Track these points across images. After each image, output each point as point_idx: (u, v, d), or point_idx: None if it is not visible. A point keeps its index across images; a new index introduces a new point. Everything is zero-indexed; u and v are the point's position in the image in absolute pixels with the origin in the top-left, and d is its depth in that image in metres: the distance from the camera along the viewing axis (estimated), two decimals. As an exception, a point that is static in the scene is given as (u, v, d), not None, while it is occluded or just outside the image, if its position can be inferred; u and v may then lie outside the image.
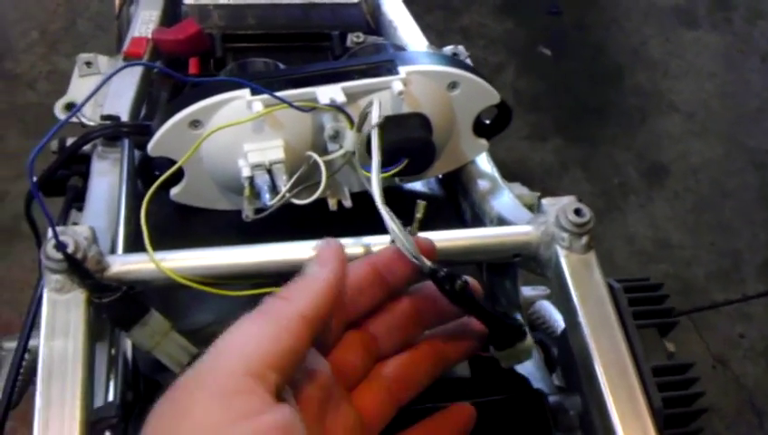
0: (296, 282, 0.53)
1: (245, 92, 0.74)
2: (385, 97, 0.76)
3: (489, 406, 0.63)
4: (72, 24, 2.53)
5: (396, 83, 0.75)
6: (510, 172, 2.55)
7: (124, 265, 0.59)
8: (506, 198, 0.79)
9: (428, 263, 0.55)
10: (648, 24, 2.83)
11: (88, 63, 0.90)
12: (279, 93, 0.73)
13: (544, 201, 0.66)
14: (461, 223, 0.86)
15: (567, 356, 0.66)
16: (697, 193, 2.43)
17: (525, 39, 2.74)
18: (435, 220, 0.72)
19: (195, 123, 0.74)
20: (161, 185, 0.73)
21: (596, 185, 2.41)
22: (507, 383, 0.66)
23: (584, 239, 0.63)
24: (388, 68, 0.77)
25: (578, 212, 0.63)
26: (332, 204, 0.81)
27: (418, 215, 0.60)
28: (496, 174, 0.85)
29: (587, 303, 0.60)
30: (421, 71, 0.77)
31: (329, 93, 0.74)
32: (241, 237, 0.68)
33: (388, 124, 0.76)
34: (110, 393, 0.61)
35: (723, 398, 2.10)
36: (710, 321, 2.21)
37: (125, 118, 0.85)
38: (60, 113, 0.86)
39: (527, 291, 1.09)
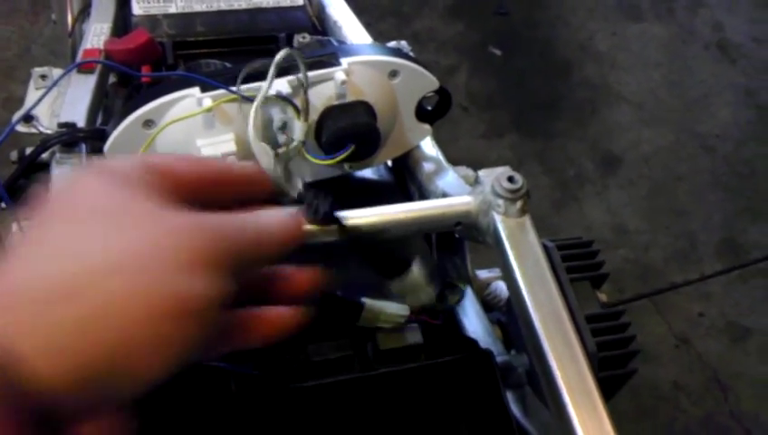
0: None
1: (195, 90, 0.78)
2: (329, 87, 0.80)
3: (439, 368, 0.67)
4: (26, 50, 2.54)
5: (338, 74, 0.80)
6: (468, 170, 2.53)
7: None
8: (450, 178, 0.83)
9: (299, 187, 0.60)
10: (594, 19, 2.91)
11: (43, 77, 0.93)
12: (227, 89, 0.77)
13: (481, 172, 0.71)
14: (410, 205, 0.90)
15: (513, 320, 0.70)
16: (651, 179, 2.51)
17: (475, 40, 2.80)
18: (384, 202, 0.76)
19: (148, 123, 0.78)
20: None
21: (552, 177, 2.47)
22: (457, 346, 0.70)
23: (518, 204, 0.68)
24: (331, 60, 0.82)
25: (511, 179, 0.67)
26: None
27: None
28: (441, 156, 0.89)
29: (523, 262, 0.64)
30: (362, 61, 0.82)
31: (275, 86, 0.78)
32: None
33: (333, 112, 0.80)
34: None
35: (688, 375, 2.15)
36: (670, 302, 2.27)
37: (81, 125, 0.88)
38: (18, 126, 0.88)
39: (483, 273, 1.13)
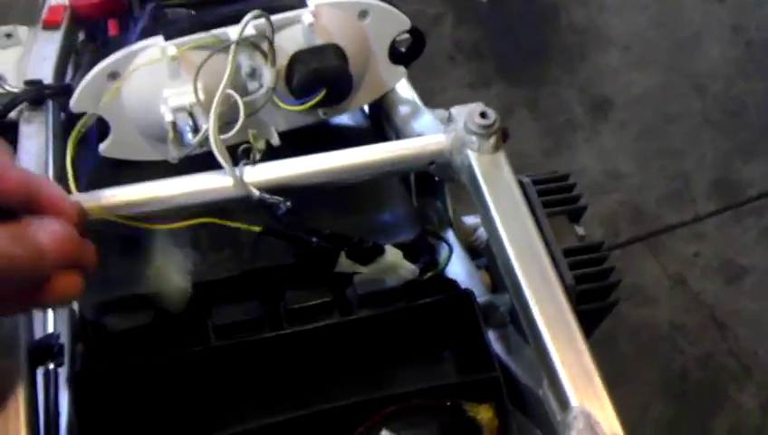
0: None
1: (159, 39, 0.76)
2: (297, 31, 0.78)
3: (420, 310, 0.66)
4: (2, 19, 2.49)
5: (305, 16, 0.78)
6: (457, 120, 2.49)
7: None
8: (426, 119, 0.82)
9: (256, 192, 0.60)
10: (580, -38, 2.86)
11: (8, 35, 0.91)
12: (192, 36, 0.75)
13: (453, 110, 0.69)
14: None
15: (492, 259, 0.69)
16: (642, 122, 2.48)
17: (460, -13, 2.76)
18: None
19: (113, 75, 0.76)
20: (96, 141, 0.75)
21: (543, 124, 2.45)
22: (437, 288, 0.69)
23: (492, 140, 0.66)
24: (298, 3, 0.79)
25: (483, 115, 0.66)
26: (261, 144, 0.84)
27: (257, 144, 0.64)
28: (416, 98, 0.88)
29: (498, 198, 0.63)
30: (330, 2, 0.80)
31: (237, 30, 0.76)
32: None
33: (302, 56, 0.78)
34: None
35: (684, 315, 2.16)
36: (665, 243, 2.27)
37: (48, 82, 0.86)
38: (-16, 84, 0.87)
39: (469, 220, 1.12)
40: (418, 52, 0.87)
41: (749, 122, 2.50)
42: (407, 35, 0.87)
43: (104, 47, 0.93)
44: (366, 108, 0.94)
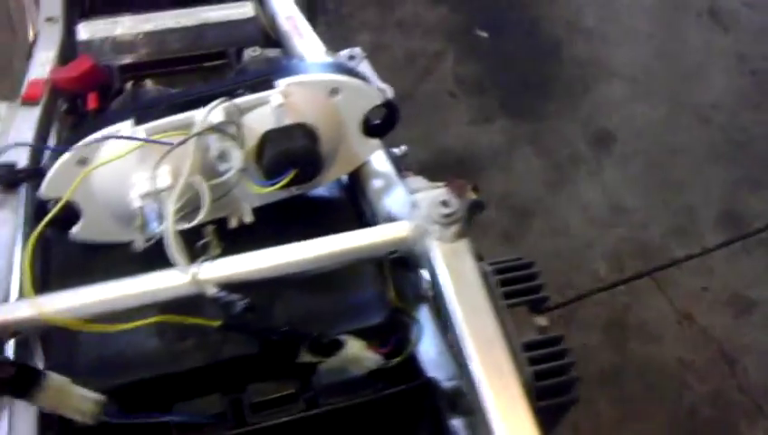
0: None
1: (127, 124, 0.76)
2: (267, 111, 0.78)
3: (383, 400, 0.65)
4: (7, 64, 2.52)
5: (274, 97, 0.78)
6: (458, 157, 2.54)
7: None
8: (397, 196, 0.81)
9: (213, 290, 0.59)
10: (581, -6, 2.86)
11: (-12, 112, 0.92)
12: (161, 121, 0.76)
13: (418, 196, 0.69)
14: (361, 224, 0.89)
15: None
16: (646, 154, 2.47)
17: (461, 24, 2.76)
18: (334, 224, 0.75)
19: (82, 161, 0.76)
20: (62, 227, 0.75)
21: (546, 159, 2.44)
22: (403, 373, 0.69)
23: (453, 229, 0.66)
24: (267, 83, 0.80)
25: (445, 204, 0.65)
26: (233, 222, 0.84)
27: (208, 238, 0.64)
28: (392, 171, 0.87)
29: (459, 289, 0.62)
30: (300, 81, 0.80)
31: (210, 116, 0.76)
32: (145, 267, 0.70)
33: (272, 137, 0.78)
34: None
35: (692, 352, 2.13)
36: (672, 278, 2.24)
37: (24, 164, 0.86)
38: (-37, 165, 0.87)
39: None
40: (392, 124, 0.87)
41: (754, 153, 2.47)
42: (380, 113, 0.87)
43: (81, 122, 0.94)
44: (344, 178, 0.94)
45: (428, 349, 0.75)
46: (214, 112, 0.74)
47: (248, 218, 0.82)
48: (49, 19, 1.02)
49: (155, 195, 0.74)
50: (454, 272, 0.63)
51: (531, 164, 2.41)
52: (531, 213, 2.31)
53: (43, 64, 0.98)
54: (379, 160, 0.89)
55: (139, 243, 0.74)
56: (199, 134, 0.72)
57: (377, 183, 0.85)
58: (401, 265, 0.82)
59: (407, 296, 0.81)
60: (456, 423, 0.66)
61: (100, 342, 0.71)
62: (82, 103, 0.97)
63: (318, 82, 0.80)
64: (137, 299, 0.64)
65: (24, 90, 0.94)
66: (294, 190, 0.84)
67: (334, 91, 0.81)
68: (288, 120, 0.78)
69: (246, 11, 1.05)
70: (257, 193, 0.81)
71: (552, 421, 0.64)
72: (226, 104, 0.75)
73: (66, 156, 0.75)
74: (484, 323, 0.59)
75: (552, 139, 2.49)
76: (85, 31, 1.01)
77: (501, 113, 2.52)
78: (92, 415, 0.61)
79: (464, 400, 0.68)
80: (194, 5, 1.06)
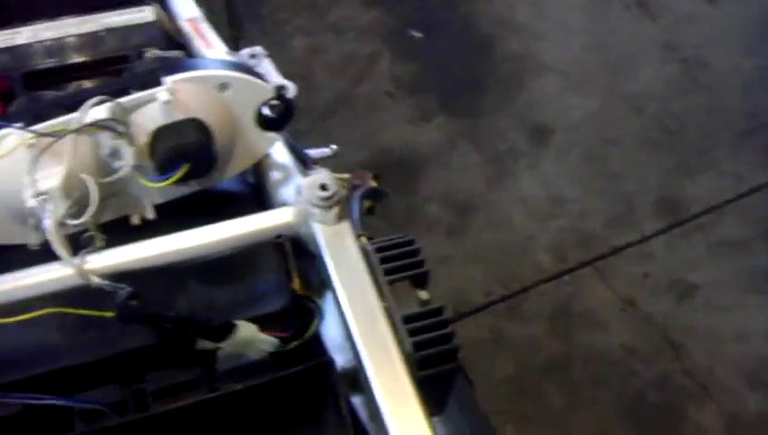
0: None
1: (11, 131, 0.75)
2: (156, 108, 0.78)
3: (282, 381, 0.65)
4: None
5: (161, 94, 0.77)
6: (399, 156, 2.54)
7: None
8: (294, 186, 0.81)
9: (96, 280, 0.59)
10: (512, -9, 2.90)
11: None
12: (48, 122, 0.75)
13: (301, 182, 0.69)
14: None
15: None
16: (582, 146, 2.50)
17: (395, 25, 2.78)
18: (237, 217, 0.75)
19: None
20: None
21: (485, 154, 2.46)
22: (304, 356, 0.69)
23: (334, 211, 0.66)
24: (155, 81, 0.79)
25: (323, 187, 0.66)
26: (135, 219, 0.83)
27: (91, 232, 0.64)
28: (291, 163, 0.87)
29: (341, 268, 0.63)
30: (187, 78, 0.79)
31: (93, 114, 0.75)
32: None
33: (162, 133, 0.77)
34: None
35: (637, 338, 2.15)
36: (614, 266, 2.27)
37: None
38: None
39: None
40: (289, 117, 0.87)
41: (688, 140, 2.52)
42: (274, 105, 0.86)
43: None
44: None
45: (333, 333, 0.75)
46: (95, 110, 0.73)
47: (150, 215, 0.82)
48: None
49: (45, 194, 0.73)
50: (336, 252, 0.64)
51: (470, 160, 2.43)
52: (473, 208, 2.32)
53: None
54: (280, 153, 0.88)
55: (33, 241, 0.73)
56: (77, 131, 0.71)
57: (275, 175, 0.85)
58: (306, 252, 0.82)
59: (312, 282, 0.80)
60: (357, 401, 0.66)
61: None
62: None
63: (205, 78, 0.80)
64: (25, 291, 0.64)
65: None
66: (195, 185, 0.84)
67: (223, 86, 0.81)
68: (178, 116, 0.78)
69: (146, 15, 1.04)
70: (156, 189, 0.80)
71: (439, 390, 0.64)
72: (110, 103, 0.74)
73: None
74: (365, 300, 0.60)
75: (490, 134, 2.51)
76: (-15, 41, 0.99)
77: (439, 111, 2.54)
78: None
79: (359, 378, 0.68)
80: (95, 12, 1.05)
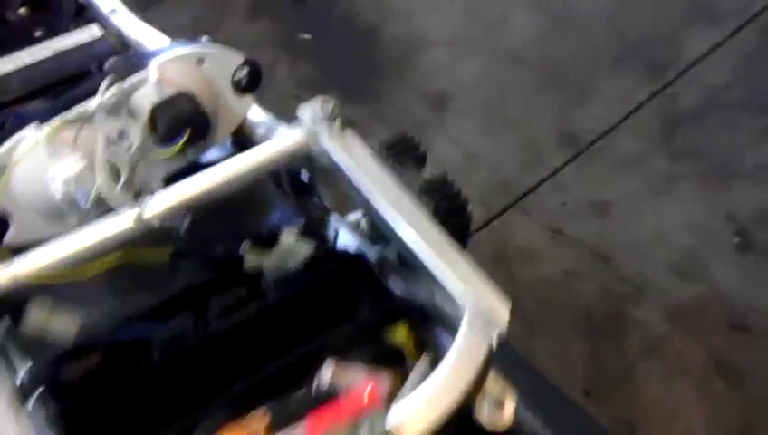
0: None
1: (31, 127, 0.85)
2: (149, 88, 0.89)
3: (323, 281, 0.78)
4: None
5: (152, 74, 0.89)
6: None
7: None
8: (282, 129, 0.94)
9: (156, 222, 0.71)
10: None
11: None
12: (61, 115, 0.85)
13: (298, 112, 0.82)
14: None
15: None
16: (480, 104, 2.69)
17: (283, 31, 2.91)
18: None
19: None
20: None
21: (394, 130, 2.60)
22: (333, 260, 0.82)
23: (337, 122, 0.80)
24: (142, 66, 0.90)
25: (323, 103, 0.79)
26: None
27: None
28: (270, 117, 0.99)
29: (357, 165, 0.76)
30: (169, 58, 0.91)
31: (96, 101, 0.86)
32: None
33: (160, 108, 0.89)
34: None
35: (571, 261, 2.33)
36: (534, 203, 2.45)
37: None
38: None
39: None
40: (258, 78, 0.99)
41: (570, 78, 2.75)
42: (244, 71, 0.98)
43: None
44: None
45: (348, 244, 0.88)
46: (107, 94, 0.84)
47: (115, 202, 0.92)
48: None
49: (75, 178, 0.83)
50: (351, 154, 0.77)
51: (382, 138, 2.57)
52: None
53: None
54: (257, 113, 1.01)
55: (74, 223, 0.82)
56: (98, 110, 0.81)
57: (260, 130, 0.97)
58: (301, 191, 0.95)
59: (313, 215, 0.93)
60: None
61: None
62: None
63: (185, 56, 0.92)
64: (97, 247, 0.74)
65: None
66: (190, 155, 0.95)
67: (200, 60, 0.93)
68: (169, 92, 0.89)
69: (94, 32, 1.15)
70: (161, 164, 0.91)
71: (463, 235, 0.78)
72: (114, 87, 0.85)
73: (-20, 170, 0.83)
74: (386, 182, 0.73)
75: (394, 112, 2.67)
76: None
77: (344, 102, 2.66)
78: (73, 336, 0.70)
79: (388, 261, 0.81)
80: (40, 42, 1.14)
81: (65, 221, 0.87)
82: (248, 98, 0.99)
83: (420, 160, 0.81)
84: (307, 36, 2.88)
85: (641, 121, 2.62)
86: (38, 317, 0.71)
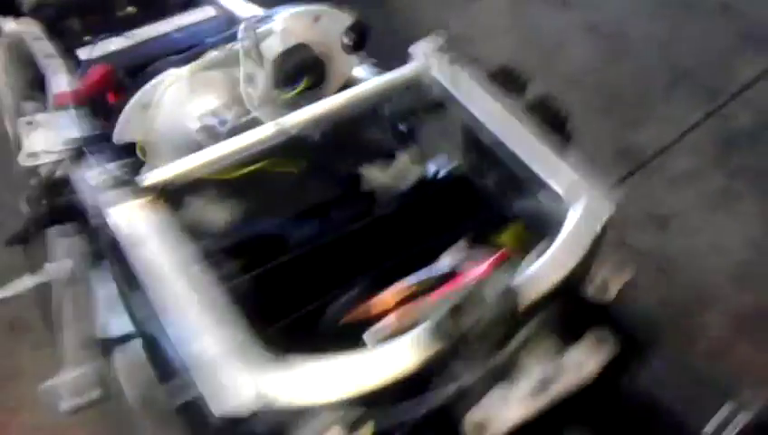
0: None
1: (173, 69, 0.97)
2: (274, 39, 1.01)
3: (434, 195, 0.87)
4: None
5: (277, 25, 1.01)
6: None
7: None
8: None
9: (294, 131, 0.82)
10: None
11: (29, 123, 1.09)
12: (203, 59, 0.97)
13: (410, 50, 0.94)
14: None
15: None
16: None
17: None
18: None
19: (145, 106, 0.96)
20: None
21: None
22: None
23: (447, 55, 0.91)
24: (267, 20, 1.02)
25: (436, 37, 0.90)
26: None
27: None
28: (373, 71, 1.10)
29: (467, 92, 0.87)
30: (291, 14, 1.03)
31: (236, 46, 0.98)
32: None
33: (283, 56, 1.00)
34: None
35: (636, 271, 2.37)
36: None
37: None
38: (25, 160, 1.03)
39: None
40: (364, 40, 1.10)
41: (626, 99, 2.84)
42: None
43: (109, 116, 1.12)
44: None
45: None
46: (246, 36, 0.96)
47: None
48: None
49: (212, 111, 0.94)
50: (460, 83, 0.87)
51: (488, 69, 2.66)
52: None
53: (60, 85, 1.15)
54: (360, 71, 1.11)
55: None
56: (241, 51, 0.93)
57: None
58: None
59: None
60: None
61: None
62: (101, 106, 1.14)
63: (304, 11, 1.04)
64: (248, 148, 0.85)
65: (52, 100, 1.11)
66: (304, 103, 1.06)
67: (317, 18, 1.05)
68: (291, 42, 1.01)
69: (209, 11, 1.29)
70: (278, 112, 1.02)
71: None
72: (250, 31, 0.97)
73: (132, 102, 0.95)
74: (495, 105, 0.83)
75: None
76: (84, 52, 1.21)
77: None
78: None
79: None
80: (163, 17, 1.27)
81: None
82: (354, 58, 1.10)
83: (522, 87, 0.90)
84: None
85: (696, 141, 2.69)
86: (197, 206, 0.82)
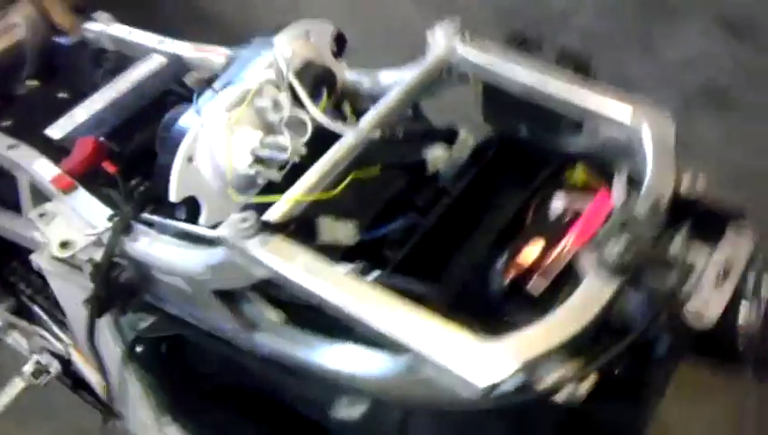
0: None
1: (208, 114, 0.97)
2: (283, 64, 1.04)
3: (493, 161, 0.96)
4: None
5: (284, 51, 1.04)
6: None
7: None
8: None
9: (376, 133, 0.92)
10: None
11: (42, 215, 1.05)
12: (233, 95, 0.98)
13: (428, 34, 1.02)
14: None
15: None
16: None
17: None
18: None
19: (189, 159, 0.96)
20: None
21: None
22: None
23: (466, 33, 1.04)
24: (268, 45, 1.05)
25: (450, 22, 1.00)
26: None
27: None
28: (355, 73, 1.15)
29: (496, 59, 0.99)
30: (288, 34, 1.07)
31: (257, 79, 1.00)
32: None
33: (300, 74, 1.04)
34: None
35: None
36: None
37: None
38: (60, 252, 1.00)
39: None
40: (343, 45, 1.15)
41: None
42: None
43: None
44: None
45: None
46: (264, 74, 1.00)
47: (303, 151, 1.06)
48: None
49: (262, 144, 0.96)
50: (486, 53, 1.00)
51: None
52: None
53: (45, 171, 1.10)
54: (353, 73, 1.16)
55: (276, 177, 0.95)
56: (286, 81, 0.98)
57: (365, 85, 1.14)
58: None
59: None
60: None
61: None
62: (102, 175, 1.11)
63: (298, 31, 1.08)
64: (336, 165, 0.91)
65: (53, 186, 1.07)
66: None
67: (307, 33, 1.09)
68: (299, 61, 1.04)
69: (159, 59, 1.28)
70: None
71: None
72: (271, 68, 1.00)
73: (178, 157, 0.95)
74: (540, 67, 0.96)
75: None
76: (53, 132, 1.16)
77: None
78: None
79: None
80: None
81: (252, 189, 0.99)
82: (343, 63, 1.15)
83: (538, 46, 1.00)
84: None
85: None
86: (328, 228, 0.85)
